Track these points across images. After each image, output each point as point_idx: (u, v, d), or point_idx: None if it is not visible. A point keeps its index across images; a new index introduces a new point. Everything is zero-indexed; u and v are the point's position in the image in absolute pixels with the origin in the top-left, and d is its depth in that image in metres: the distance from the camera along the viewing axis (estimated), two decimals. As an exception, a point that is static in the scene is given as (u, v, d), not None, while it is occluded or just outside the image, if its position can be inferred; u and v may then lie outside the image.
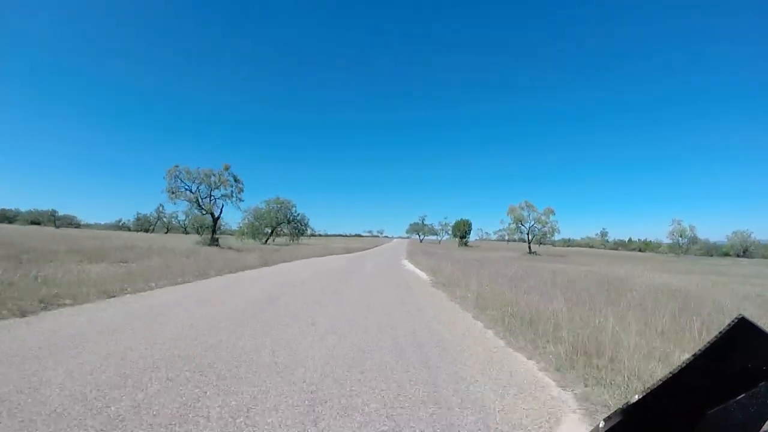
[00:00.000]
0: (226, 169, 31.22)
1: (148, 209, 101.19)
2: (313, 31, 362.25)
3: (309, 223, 55.60)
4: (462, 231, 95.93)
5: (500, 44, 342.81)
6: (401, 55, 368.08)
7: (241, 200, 32.77)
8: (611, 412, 0.60)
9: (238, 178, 31.93)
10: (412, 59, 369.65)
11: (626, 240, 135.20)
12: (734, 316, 0.53)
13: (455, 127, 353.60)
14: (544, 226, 51.05)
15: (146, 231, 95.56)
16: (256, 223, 51.86)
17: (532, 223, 52.43)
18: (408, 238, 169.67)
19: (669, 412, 0.59)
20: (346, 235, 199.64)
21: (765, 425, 0.51)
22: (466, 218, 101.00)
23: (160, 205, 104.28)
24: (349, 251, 36.09)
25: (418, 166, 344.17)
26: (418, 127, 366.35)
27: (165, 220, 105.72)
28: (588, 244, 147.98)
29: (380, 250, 49.89)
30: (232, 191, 32.12)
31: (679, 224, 71.23)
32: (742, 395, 0.54)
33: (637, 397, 0.60)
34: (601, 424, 0.61)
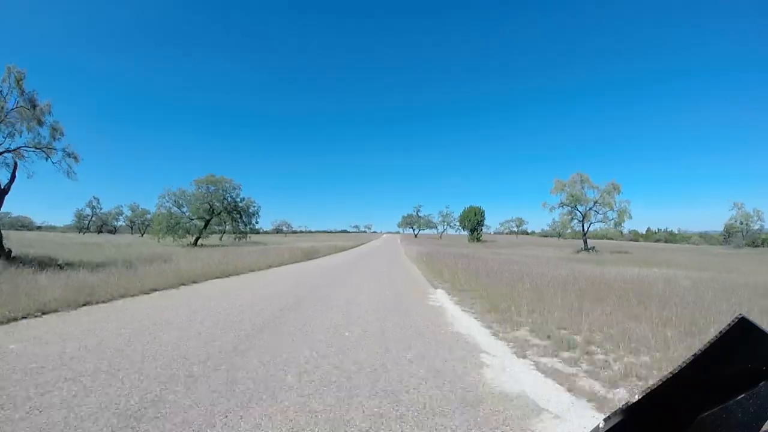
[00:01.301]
0: (17, 81, 9.36)
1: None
2: (293, 14, 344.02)
3: (259, 212, 36.39)
4: (473, 222, 76.59)
5: (492, 25, 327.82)
6: (382, 37, 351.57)
7: (73, 158, 15.43)
8: (611, 412, 0.62)
9: (38, 102, 14.20)
10: (392, 40, 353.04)
11: (642, 231, 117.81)
12: (734, 316, 0.54)
13: (445, 115, 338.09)
14: (611, 210, 32.10)
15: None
16: (179, 212, 31.59)
17: (591, 205, 33.22)
18: (398, 233, 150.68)
19: (669, 411, 0.59)
20: (331, 232, 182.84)
21: (765, 425, 0.52)
22: (477, 206, 78.86)
23: (93, 197, 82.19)
24: (312, 256, 23.52)
25: (408, 158, 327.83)
26: (409, 115, 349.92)
27: (100, 215, 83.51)
28: (604, 235, 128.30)
29: (366, 250, 29.99)
30: (40, 135, 14.71)
31: (741, 209, 60.99)
32: (742, 395, 0.54)
33: (637, 397, 0.59)
34: (601, 424, 0.61)
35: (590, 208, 37.22)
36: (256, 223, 42.73)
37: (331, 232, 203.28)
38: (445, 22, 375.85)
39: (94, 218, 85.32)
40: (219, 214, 38.44)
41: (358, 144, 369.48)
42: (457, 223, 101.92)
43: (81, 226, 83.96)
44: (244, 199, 40.67)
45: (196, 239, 36.34)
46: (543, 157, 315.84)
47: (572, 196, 36.17)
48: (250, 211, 41.28)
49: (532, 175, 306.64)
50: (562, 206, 38.54)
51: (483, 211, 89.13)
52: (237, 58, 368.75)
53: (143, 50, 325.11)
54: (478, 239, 79.57)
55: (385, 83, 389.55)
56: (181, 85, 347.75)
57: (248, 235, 42.00)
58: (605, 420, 0.61)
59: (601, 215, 37.07)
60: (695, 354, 0.56)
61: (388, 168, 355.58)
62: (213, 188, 37.63)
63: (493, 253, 29.69)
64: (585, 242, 38.73)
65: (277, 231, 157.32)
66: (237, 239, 40.97)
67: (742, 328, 0.53)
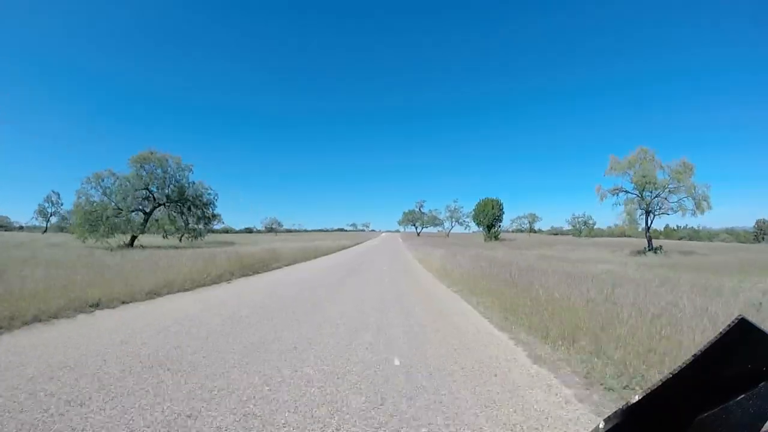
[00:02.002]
0: None
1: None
2: (293, 14, 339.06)
3: (215, 201, 25.83)
4: (489, 218, 65.67)
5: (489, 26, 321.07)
6: (382, 37, 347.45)
7: None
8: (611, 412, 0.63)
9: None
10: (392, 40, 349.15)
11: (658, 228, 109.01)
12: (734, 317, 0.58)
13: (445, 115, 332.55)
14: (689, 196, 20.61)
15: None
16: (106, 202, 19.85)
17: (660, 191, 21.93)
18: (397, 231, 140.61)
19: (669, 412, 0.61)
20: (327, 231, 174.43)
21: (765, 425, 0.54)
22: (494, 198, 68.24)
23: (52, 191, 71.64)
24: (252, 270, 14.84)
25: (408, 157, 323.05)
26: (409, 115, 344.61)
27: (60, 212, 72.36)
28: (623, 232, 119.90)
29: (361, 250, 19.53)
30: None
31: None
32: (742, 395, 0.56)
33: (637, 398, 0.61)
34: (601, 425, 0.63)
35: (658, 195, 27.31)
36: (213, 216, 32.61)
37: (327, 230, 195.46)
38: (445, 22, 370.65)
39: (53, 215, 74.73)
40: (162, 204, 28.29)
41: (356, 144, 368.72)
42: (467, 220, 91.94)
43: (59, 224, 73.66)
44: (193, 183, 30.47)
45: (132, 239, 26.26)
46: (543, 157, 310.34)
47: (644, 177, 26.26)
48: (204, 200, 31.04)
49: (533, 175, 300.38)
50: (617, 193, 28.58)
51: (501, 204, 77.80)
52: (237, 58, 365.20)
53: (143, 50, 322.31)
54: (496, 237, 72.51)
55: (385, 83, 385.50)
56: (181, 85, 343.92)
57: (202, 233, 31.82)
58: (605, 420, 0.62)
59: (675, 203, 27.15)
60: (695, 354, 0.57)
61: (388, 168, 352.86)
62: (154, 168, 27.43)
63: (541, 258, 21.91)
64: (650, 240, 29.10)
65: (270, 230, 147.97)
66: (189, 239, 30.97)
67: (742, 329, 0.54)
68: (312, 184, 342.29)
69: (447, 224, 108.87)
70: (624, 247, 37.55)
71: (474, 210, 79.40)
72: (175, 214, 31.26)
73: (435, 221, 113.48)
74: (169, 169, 30.97)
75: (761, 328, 0.54)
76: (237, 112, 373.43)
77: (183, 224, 32.34)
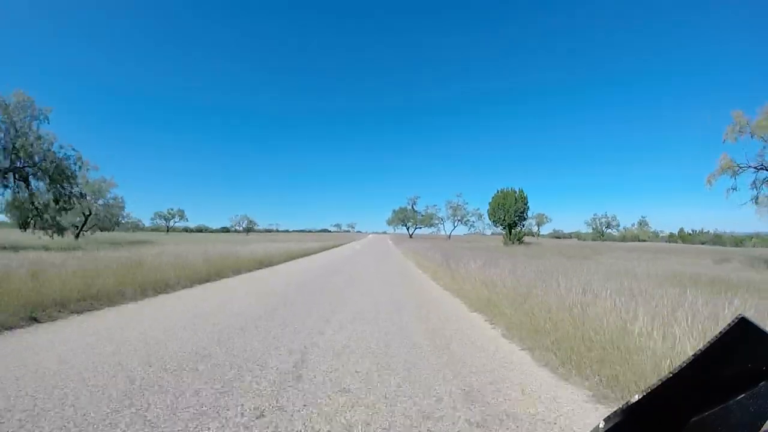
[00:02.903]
0: None
1: None
2: (293, 14, 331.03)
3: (78, 169, 11.08)
4: (510, 215, 52.46)
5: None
6: (381, 37, 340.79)
7: None
8: (611, 412, 0.64)
9: None
10: (392, 40, 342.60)
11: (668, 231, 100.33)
12: (734, 316, 0.59)
13: (444, 114, 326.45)
14: None
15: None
16: None
17: None
18: (385, 233, 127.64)
19: (669, 411, 0.62)
20: (310, 231, 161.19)
21: (765, 425, 0.56)
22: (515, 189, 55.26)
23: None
24: None
25: (407, 157, 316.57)
26: (409, 115, 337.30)
27: None
28: (637, 236, 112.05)
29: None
30: None
31: None
32: (743, 395, 0.57)
33: (637, 397, 0.62)
34: (601, 425, 0.63)
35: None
36: (79, 196, 19.41)
37: (309, 231, 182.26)
38: (445, 22, 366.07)
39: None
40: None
41: (355, 144, 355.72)
42: (472, 219, 77.77)
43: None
44: (39, 138, 16.55)
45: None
46: (543, 156, 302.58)
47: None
48: (57, 166, 17.50)
49: (531, 176, 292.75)
50: (738, 171, 16.86)
51: (526, 197, 60.37)
52: (237, 58, 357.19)
53: (144, 50, 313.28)
54: (520, 240, 56.27)
55: (384, 83, 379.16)
56: (181, 85, 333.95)
57: (61, 223, 18.89)
58: (605, 420, 0.62)
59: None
60: (695, 354, 0.59)
61: (385, 168, 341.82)
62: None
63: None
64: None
65: (248, 230, 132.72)
66: (46, 232, 18.15)
67: (742, 328, 0.55)
68: (306, 184, 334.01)
69: (448, 224, 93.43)
70: (728, 256, 26.20)
71: (490, 205, 62.27)
72: (15, 190, 17.16)
73: (432, 220, 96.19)
74: (9, 115, 17.77)
75: (761, 328, 0.54)
76: (237, 112, 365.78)
77: (35, 208, 19.62)
